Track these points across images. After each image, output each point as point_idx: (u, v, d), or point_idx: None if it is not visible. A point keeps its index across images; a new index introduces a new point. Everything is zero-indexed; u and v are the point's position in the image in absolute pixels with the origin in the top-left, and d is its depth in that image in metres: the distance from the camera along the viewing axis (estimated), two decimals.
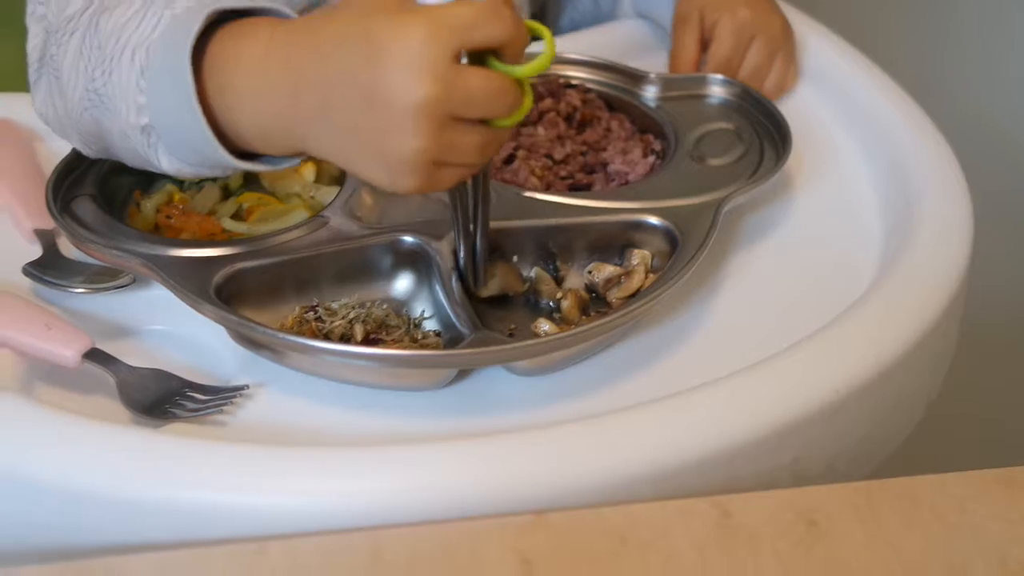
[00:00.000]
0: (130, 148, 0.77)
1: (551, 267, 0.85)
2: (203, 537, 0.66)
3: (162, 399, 0.75)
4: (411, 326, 0.80)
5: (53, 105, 0.81)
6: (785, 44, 1.03)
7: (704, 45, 1.03)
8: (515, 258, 0.84)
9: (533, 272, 0.84)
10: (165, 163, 0.76)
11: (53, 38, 0.80)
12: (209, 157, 0.74)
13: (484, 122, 0.68)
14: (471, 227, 0.78)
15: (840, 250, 0.90)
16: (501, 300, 0.83)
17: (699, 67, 1.02)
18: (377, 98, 0.66)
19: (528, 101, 0.69)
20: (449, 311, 0.79)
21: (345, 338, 0.78)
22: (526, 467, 0.69)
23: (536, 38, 0.70)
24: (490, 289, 0.82)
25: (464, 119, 0.67)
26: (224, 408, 0.75)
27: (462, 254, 0.80)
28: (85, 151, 0.83)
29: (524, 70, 0.68)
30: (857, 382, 0.75)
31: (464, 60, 0.67)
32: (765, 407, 0.73)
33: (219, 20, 0.73)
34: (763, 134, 0.94)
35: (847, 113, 1.01)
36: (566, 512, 0.67)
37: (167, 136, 0.75)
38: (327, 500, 0.68)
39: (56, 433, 0.70)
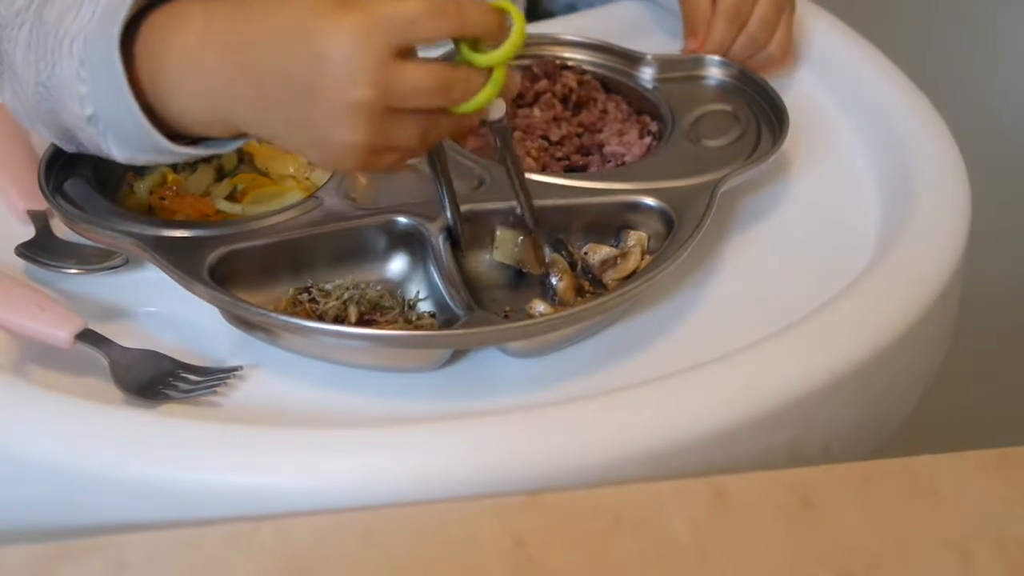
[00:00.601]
0: (87, 139, 0.77)
1: (564, 252, 0.84)
2: (196, 517, 0.66)
3: (155, 380, 0.75)
4: (406, 307, 0.80)
5: (18, 100, 0.81)
6: (789, 7, 1.02)
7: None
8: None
9: (549, 257, 0.84)
10: (116, 152, 0.76)
11: (5, 32, 0.80)
12: (149, 143, 0.74)
13: (440, 109, 0.68)
14: (512, 182, 0.79)
15: (837, 232, 0.90)
16: (510, 280, 0.83)
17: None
18: (314, 93, 0.66)
19: (488, 89, 0.67)
20: (444, 292, 0.79)
21: (339, 319, 0.78)
22: (520, 447, 0.69)
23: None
24: (502, 255, 0.81)
25: (406, 110, 0.67)
26: (217, 389, 0.75)
27: (448, 213, 0.80)
28: (60, 144, 0.82)
29: (483, 59, 0.67)
30: (853, 363, 0.75)
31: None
32: (761, 387, 0.73)
33: (152, 3, 0.72)
34: (760, 115, 0.94)
35: (844, 94, 1.01)
36: (560, 492, 0.67)
37: (111, 125, 0.74)
38: (320, 480, 0.67)
39: (50, 413, 0.70)
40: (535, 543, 0.64)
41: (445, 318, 0.79)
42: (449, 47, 0.70)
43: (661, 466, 0.69)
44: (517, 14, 0.67)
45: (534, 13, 1.14)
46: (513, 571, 0.63)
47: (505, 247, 0.82)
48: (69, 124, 0.77)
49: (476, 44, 0.68)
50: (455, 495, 0.67)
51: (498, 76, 0.68)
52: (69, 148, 0.82)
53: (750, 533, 0.65)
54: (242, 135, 0.74)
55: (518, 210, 0.81)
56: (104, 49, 0.71)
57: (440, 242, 0.80)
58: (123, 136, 0.75)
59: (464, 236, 0.81)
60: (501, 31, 0.67)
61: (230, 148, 0.76)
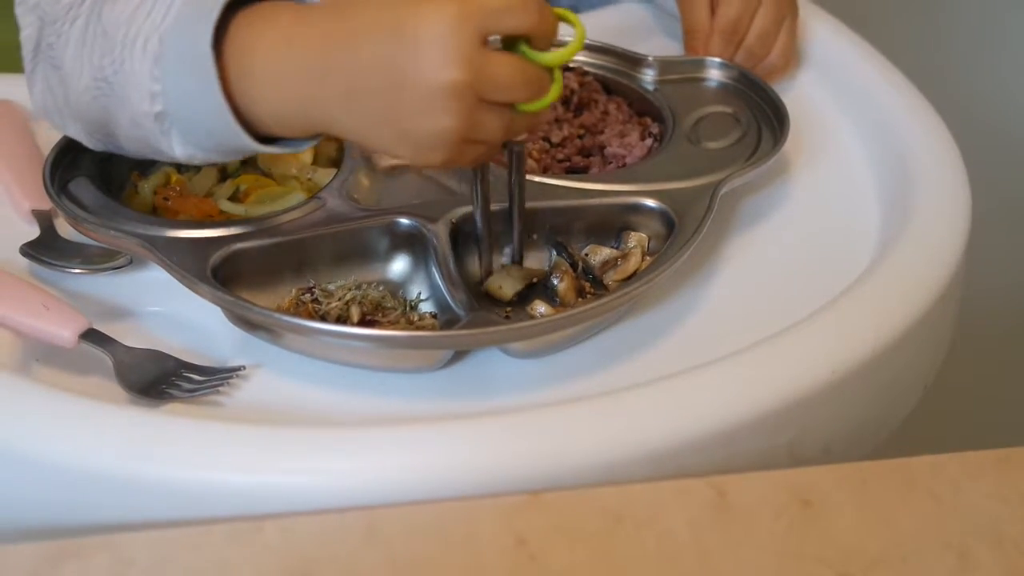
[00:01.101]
0: (139, 137, 0.77)
1: (564, 253, 0.85)
2: (200, 516, 0.66)
3: (159, 380, 0.75)
4: (407, 308, 0.81)
5: (52, 95, 0.81)
6: (791, 15, 1.02)
7: (712, 10, 1.02)
8: (534, 236, 0.85)
9: (553, 259, 0.85)
10: (179, 150, 0.76)
11: (51, 28, 0.80)
12: (226, 142, 0.74)
13: (510, 105, 0.70)
14: (512, 207, 0.80)
15: (837, 233, 0.90)
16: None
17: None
18: (408, 82, 0.67)
19: (556, 88, 0.71)
20: (445, 293, 0.79)
21: (341, 319, 0.79)
22: (522, 448, 0.69)
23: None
24: (515, 285, 0.82)
25: (490, 101, 0.69)
26: (220, 389, 0.75)
27: (480, 226, 0.81)
28: (87, 141, 0.82)
29: (551, 58, 0.70)
30: (854, 364, 0.76)
31: (496, 42, 0.69)
32: (762, 388, 0.73)
33: (233, 5, 0.73)
34: (761, 117, 0.94)
35: (845, 96, 1.01)
36: (561, 492, 0.67)
37: (182, 123, 0.75)
38: (323, 479, 0.68)
39: (54, 412, 0.70)
40: (536, 542, 0.64)
41: (447, 319, 0.79)
42: None
43: (662, 466, 0.70)
44: (577, 20, 0.71)
45: None
46: (514, 570, 0.63)
47: (513, 277, 0.82)
48: (125, 120, 0.77)
49: (531, 45, 0.70)
50: (457, 495, 0.67)
51: (559, 77, 0.71)
52: (94, 144, 0.82)
53: (750, 533, 0.65)
54: (318, 134, 0.75)
55: (509, 250, 0.83)
56: (188, 48, 0.72)
57: (441, 243, 0.80)
58: (196, 135, 0.75)
59: (463, 238, 0.82)
60: (554, 34, 0.70)
61: (304, 147, 0.77)
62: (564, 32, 0.71)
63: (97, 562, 0.62)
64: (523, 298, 0.82)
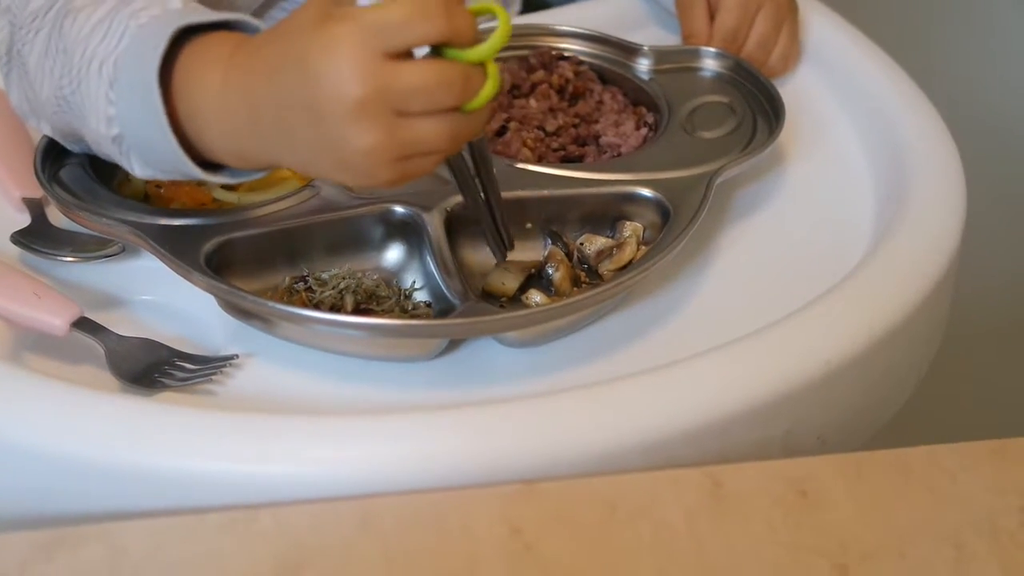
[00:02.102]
0: (104, 153, 0.78)
1: (560, 243, 0.85)
2: (194, 505, 0.66)
3: (151, 368, 0.75)
4: (402, 297, 0.80)
5: (27, 99, 0.81)
6: (790, 16, 1.02)
7: (711, 18, 1.01)
8: (528, 225, 0.84)
9: (547, 250, 0.84)
10: (139, 170, 0.76)
11: (19, 34, 0.80)
12: (181, 170, 0.74)
13: (452, 110, 0.67)
14: (480, 196, 0.78)
15: (832, 224, 0.90)
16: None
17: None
18: (319, 112, 0.66)
19: (491, 83, 0.68)
20: (440, 282, 0.79)
21: (335, 308, 0.78)
22: (516, 437, 0.69)
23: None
24: (517, 278, 0.82)
25: (417, 112, 0.66)
26: (213, 377, 0.75)
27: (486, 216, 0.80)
28: (64, 144, 0.82)
29: (473, 54, 0.67)
30: (848, 354, 0.76)
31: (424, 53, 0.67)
32: (757, 378, 0.73)
33: (185, 31, 0.72)
34: (756, 107, 0.94)
35: (840, 87, 1.01)
36: (556, 481, 0.67)
37: (138, 147, 0.75)
38: (317, 468, 0.68)
39: (46, 400, 0.70)
40: (531, 532, 0.64)
41: (441, 308, 0.79)
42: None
43: (657, 456, 0.70)
44: (501, 10, 0.68)
45: (529, 4, 1.14)
46: (509, 559, 0.63)
47: (507, 278, 0.82)
48: (88, 138, 0.77)
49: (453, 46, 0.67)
50: (451, 484, 0.67)
51: (493, 69, 0.68)
52: (71, 147, 0.82)
53: (746, 523, 0.65)
54: (271, 167, 0.75)
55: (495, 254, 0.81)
56: (139, 78, 0.71)
57: (436, 231, 0.80)
58: (151, 158, 0.75)
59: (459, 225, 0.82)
60: (479, 35, 0.67)
61: (258, 176, 0.76)
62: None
63: (90, 551, 0.62)
64: (519, 288, 0.82)
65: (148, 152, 0.75)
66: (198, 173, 0.73)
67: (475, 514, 0.65)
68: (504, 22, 0.67)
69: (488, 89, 0.67)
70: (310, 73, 0.66)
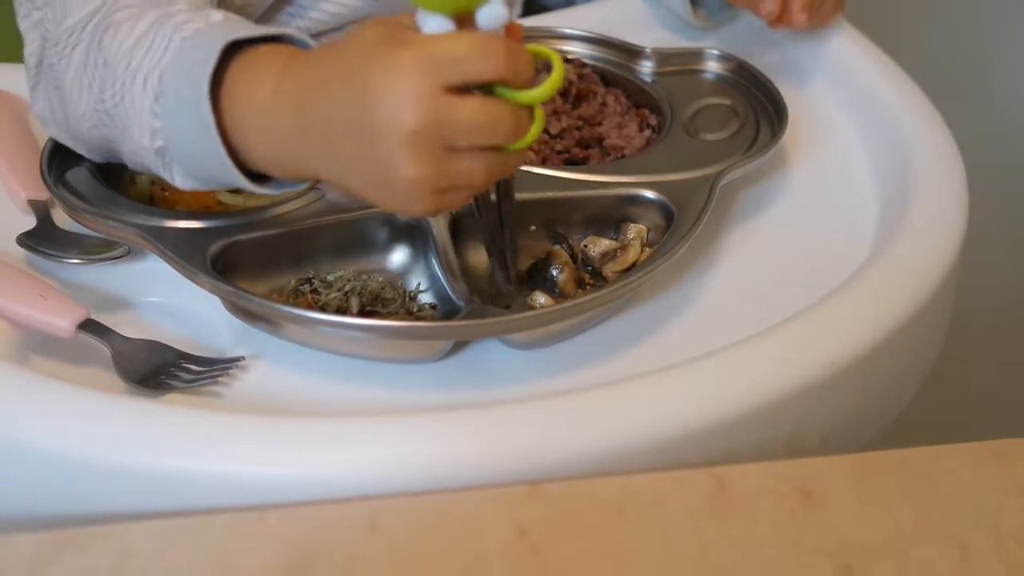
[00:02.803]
0: (141, 164, 0.78)
1: (564, 245, 0.85)
2: (201, 506, 0.66)
3: (157, 370, 0.75)
4: (407, 299, 0.81)
5: (52, 111, 0.81)
6: None
7: None
8: (532, 227, 0.85)
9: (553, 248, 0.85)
10: (180, 181, 0.76)
11: (52, 48, 0.80)
12: (226, 180, 0.74)
13: (492, 147, 0.68)
14: (498, 228, 0.79)
15: (836, 225, 0.90)
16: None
17: None
18: (372, 134, 0.66)
19: (537, 126, 0.68)
20: (445, 284, 0.79)
21: (341, 310, 0.79)
22: (522, 438, 0.69)
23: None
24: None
25: (465, 148, 0.67)
26: (220, 379, 0.75)
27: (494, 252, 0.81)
28: (87, 156, 0.83)
29: (525, 97, 0.67)
30: (852, 356, 0.76)
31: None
32: (761, 379, 0.73)
33: (231, 44, 0.73)
34: (759, 109, 0.94)
35: (843, 88, 1.01)
36: (562, 482, 0.67)
37: (183, 159, 0.75)
38: (324, 470, 0.68)
39: (53, 402, 0.70)
40: (537, 533, 0.64)
41: (446, 310, 0.79)
42: None
43: (662, 457, 0.70)
44: (556, 57, 0.69)
45: (531, 7, 1.14)
46: (515, 560, 0.63)
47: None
48: (127, 149, 0.77)
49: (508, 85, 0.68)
50: (457, 485, 0.67)
51: (540, 114, 0.68)
52: (94, 158, 0.83)
53: (751, 524, 0.65)
54: (313, 178, 0.76)
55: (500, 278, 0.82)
56: (187, 92, 0.72)
57: (441, 234, 0.80)
58: (196, 170, 0.75)
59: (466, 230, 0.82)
60: (535, 77, 0.68)
61: (301, 188, 0.77)
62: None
63: (97, 552, 0.63)
64: (523, 289, 0.82)
65: (193, 163, 0.75)
66: (245, 183, 0.74)
67: (482, 515, 0.65)
68: (559, 68, 0.68)
69: (534, 131, 0.68)
70: (369, 94, 0.66)
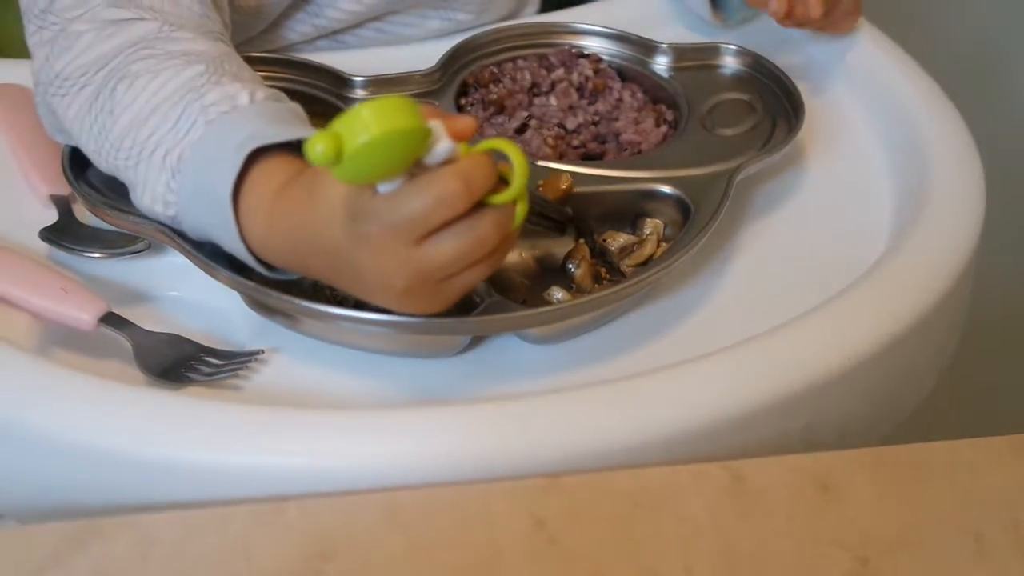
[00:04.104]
0: (145, 207, 0.78)
1: (589, 239, 0.85)
2: (223, 497, 0.67)
3: (178, 363, 0.76)
4: None
5: (55, 128, 0.83)
6: None
7: None
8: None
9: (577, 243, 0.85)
10: (189, 234, 0.78)
11: (63, 83, 0.80)
12: (237, 255, 0.75)
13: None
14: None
15: (852, 222, 0.90)
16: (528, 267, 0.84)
17: None
18: (369, 293, 0.70)
19: (522, 205, 0.67)
20: None
21: (359, 305, 0.79)
22: (539, 432, 0.70)
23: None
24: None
25: (462, 270, 0.67)
26: (239, 373, 0.76)
27: None
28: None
29: (500, 198, 0.65)
30: (868, 351, 0.76)
31: None
32: (778, 374, 0.73)
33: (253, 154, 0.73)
34: (775, 105, 0.94)
35: (859, 84, 1.01)
36: (579, 475, 0.67)
37: (195, 231, 0.76)
38: (343, 461, 0.68)
39: (80, 394, 0.70)
40: (555, 524, 0.65)
41: (464, 305, 0.80)
42: None
43: (679, 450, 0.70)
44: (509, 145, 0.66)
45: (548, 2, 1.14)
46: (533, 551, 0.64)
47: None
48: (132, 195, 0.78)
49: None
50: (475, 477, 0.67)
51: (522, 204, 0.67)
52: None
53: (768, 517, 0.66)
54: None
55: None
56: (208, 189, 0.73)
57: None
58: (206, 237, 0.76)
59: None
60: (500, 169, 0.66)
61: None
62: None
63: (121, 541, 0.63)
64: (530, 273, 0.83)
65: (202, 235, 0.76)
66: (261, 270, 0.75)
67: (499, 507, 0.66)
68: (517, 155, 0.65)
69: (521, 210, 0.67)
70: (351, 267, 0.68)
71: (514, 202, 0.67)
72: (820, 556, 0.64)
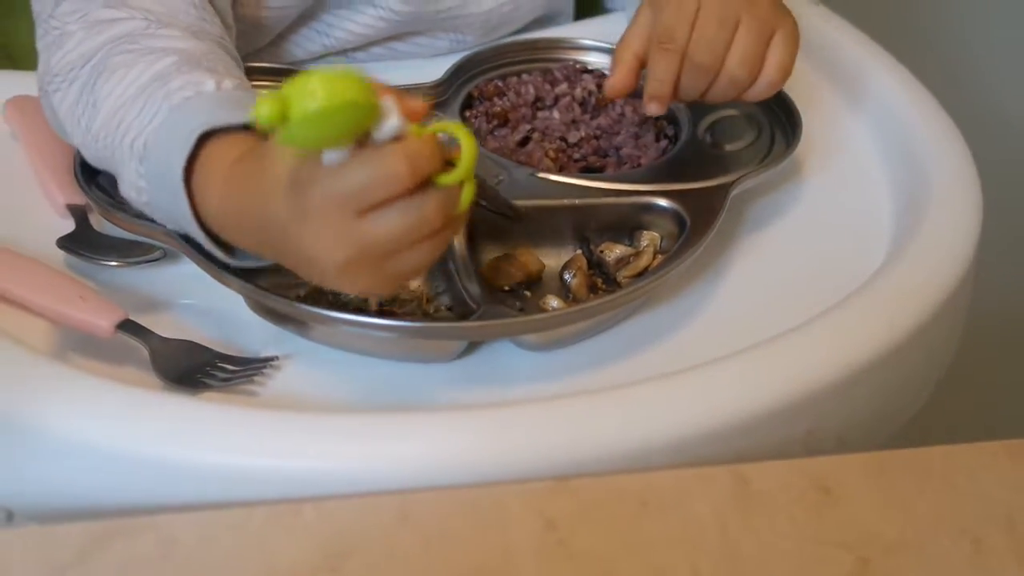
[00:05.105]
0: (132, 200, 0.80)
1: (587, 248, 0.87)
2: (241, 498, 0.68)
3: (194, 369, 0.77)
4: (423, 300, 0.82)
5: (55, 125, 0.85)
6: (782, 28, 0.87)
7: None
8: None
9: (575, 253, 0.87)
10: (163, 224, 0.79)
11: (55, 79, 0.83)
12: (205, 246, 0.76)
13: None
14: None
15: (849, 234, 0.91)
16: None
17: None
18: (310, 265, 0.68)
19: (468, 188, 0.66)
20: (460, 287, 0.81)
21: (359, 310, 0.80)
22: (549, 435, 0.71)
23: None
24: (510, 278, 0.84)
25: (401, 249, 0.66)
26: (254, 378, 0.77)
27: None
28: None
29: (446, 179, 0.65)
30: (867, 359, 0.77)
31: None
32: (780, 380, 0.74)
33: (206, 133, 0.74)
34: (774, 120, 0.95)
35: (856, 98, 1.02)
36: (588, 478, 0.69)
37: (165, 218, 0.78)
38: (357, 464, 0.69)
39: (103, 399, 0.71)
40: (565, 526, 0.66)
41: (461, 311, 0.81)
42: None
43: (684, 454, 0.71)
44: (459, 128, 0.66)
45: (594, 7, 1.16)
46: (543, 551, 0.65)
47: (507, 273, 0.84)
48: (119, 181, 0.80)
49: None
50: (485, 480, 0.68)
51: (468, 185, 0.67)
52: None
53: (771, 518, 0.67)
54: None
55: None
56: (166, 168, 0.74)
57: (457, 238, 0.82)
58: (177, 226, 0.78)
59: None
60: (446, 152, 0.66)
61: (264, 263, 0.77)
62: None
63: (143, 541, 0.64)
64: (537, 293, 0.84)
65: (173, 223, 0.78)
66: (221, 256, 0.76)
67: (510, 508, 0.67)
68: (466, 138, 0.65)
69: (467, 194, 0.67)
70: (292, 237, 0.67)
71: (461, 184, 0.66)
72: (821, 557, 0.65)
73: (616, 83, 0.90)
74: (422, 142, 0.64)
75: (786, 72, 0.88)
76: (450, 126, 0.66)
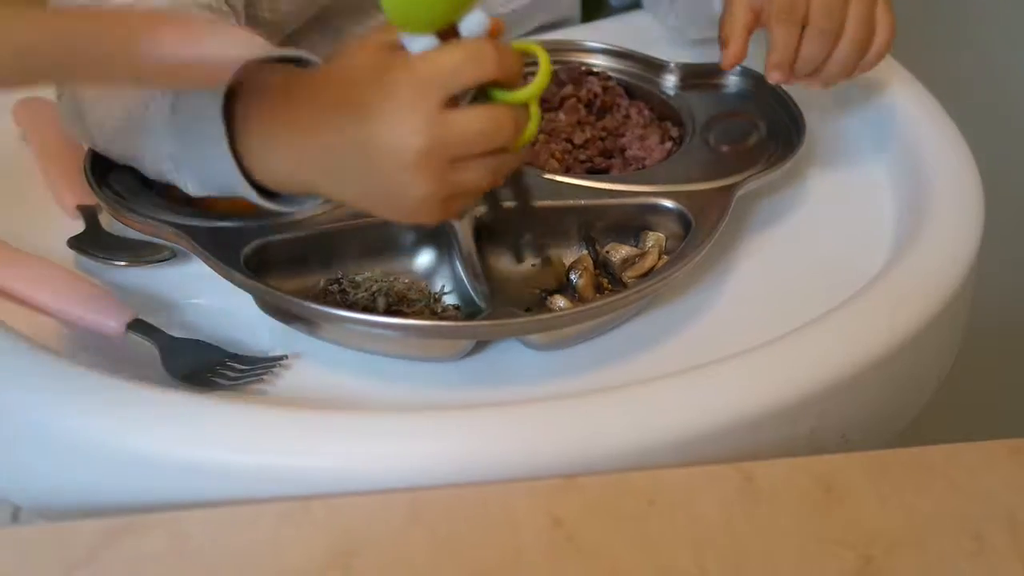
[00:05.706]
0: (158, 171, 0.80)
1: (591, 249, 0.87)
2: (250, 496, 0.68)
3: (204, 369, 0.77)
4: (431, 300, 0.83)
5: (74, 123, 0.84)
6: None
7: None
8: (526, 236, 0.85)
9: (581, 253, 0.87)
10: (193, 188, 0.78)
11: None
12: (236, 191, 0.75)
13: (495, 151, 0.69)
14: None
15: (852, 236, 0.92)
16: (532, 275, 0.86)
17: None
18: (377, 158, 0.68)
19: (534, 123, 0.70)
20: (468, 286, 0.82)
21: (368, 310, 0.80)
22: (557, 434, 0.71)
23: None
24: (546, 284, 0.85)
25: (468, 157, 0.68)
26: (264, 377, 0.77)
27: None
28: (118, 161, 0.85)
29: (520, 96, 0.68)
30: (870, 359, 0.78)
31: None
32: (785, 380, 0.75)
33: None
34: (778, 123, 0.95)
35: (859, 101, 1.03)
36: (596, 476, 0.69)
37: (196, 171, 0.77)
38: (366, 462, 0.70)
39: (114, 397, 0.72)
40: (572, 523, 0.67)
41: (469, 311, 0.81)
42: None
43: (691, 452, 0.72)
44: (542, 51, 0.69)
45: (600, 8, 1.16)
46: (551, 549, 0.65)
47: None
48: (147, 158, 0.80)
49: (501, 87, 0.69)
50: (493, 478, 0.69)
51: (535, 110, 0.70)
52: (121, 162, 0.85)
53: (777, 516, 0.67)
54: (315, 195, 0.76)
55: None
56: (202, 107, 0.73)
57: (465, 238, 0.82)
58: (208, 180, 0.77)
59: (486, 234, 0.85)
60: (518, 73, 0.69)
61: (310, 205, 0.78)
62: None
63: (154, 538, 0.65)
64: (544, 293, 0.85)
65: (204, 174, 0.77)
66: (254, 197, 0.75)
67: (518, 506, 0.67)
68: (545, 62, 0.68)
69: (532, 127, 0.70)
70: (370, 120, 0.67)
71: (527, 107, 0.69)
72: (825, 554, 0.66)
73: (733, 54, 0.92)
74: (507, 47, 0.67)
75: (894, 33, 0.91)
76: (531, 46, 0.69)
